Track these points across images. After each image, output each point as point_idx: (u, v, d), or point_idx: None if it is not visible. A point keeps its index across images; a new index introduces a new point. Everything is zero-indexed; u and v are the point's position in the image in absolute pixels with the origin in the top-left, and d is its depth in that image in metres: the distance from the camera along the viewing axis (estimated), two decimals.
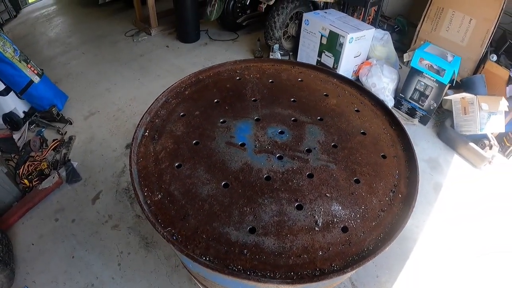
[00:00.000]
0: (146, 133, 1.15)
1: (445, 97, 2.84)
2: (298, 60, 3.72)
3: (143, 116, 1.19)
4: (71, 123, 2.94)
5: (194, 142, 1.09)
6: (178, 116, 1.19)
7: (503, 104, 2.61)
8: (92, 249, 2.10)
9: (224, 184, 0.96)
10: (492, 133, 2.77)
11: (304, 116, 1.16)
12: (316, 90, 1.29)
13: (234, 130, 1.11)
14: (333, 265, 0.78)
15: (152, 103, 1.23)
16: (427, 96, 2.90)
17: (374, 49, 3.34)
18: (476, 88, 2.88)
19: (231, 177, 0.97)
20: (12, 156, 2.52)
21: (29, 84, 2.70)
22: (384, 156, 1.05)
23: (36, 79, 2.74)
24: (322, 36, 3.21)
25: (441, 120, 3.06)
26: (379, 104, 1.26)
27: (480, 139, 2.73)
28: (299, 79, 1.34)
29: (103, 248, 2.11)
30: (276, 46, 3.41)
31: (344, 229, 0.85)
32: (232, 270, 0.78)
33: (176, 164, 1.03)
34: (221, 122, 1.14)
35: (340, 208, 0.89)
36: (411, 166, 1.03)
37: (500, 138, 2.81)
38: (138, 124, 1.15)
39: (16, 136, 2.64)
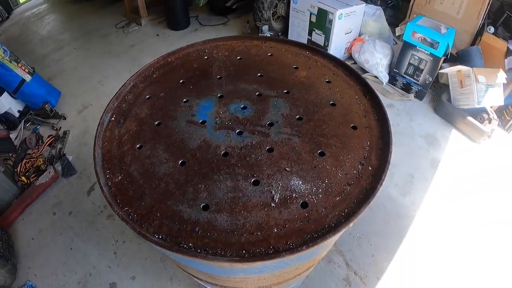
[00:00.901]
0: (113, 118, 1.12)
1: (440, 71, 2.74)
2: None
3: (110, 101, 1.16)
4: (65, 118, 2.96)
5: (156, 123, 1.06)
6: (144, 99, 1.16)
7: (501, 76, 2.49)
8: (89, 240, 2.13)
9: (181, 162, 0.92)
10: (491, 107, 2.65)
11: (269, 90, 1.10)
12: (285, 63, 1.23)
13: (196, 108, 1.07)
14: (288, 243, 0.73)
15: (120, 88, 1.20)
16: (421, 71, 2.80)
17: (366, 25, 3.24)
18: (472, 60, 2.76)
19: (189, 155, 0.93)
20: (10, 155, 2.57)
21: (21, 83, 2.72)
22: (354, 127, 0.99)
23: (28, 78, 2.76)
24: (311, 14, 3.12)
25: (438, 94, 2.95)
26: (353, 74, 1.19)
27: (478, 113, 2.64)
28: (269, 54, 1.28)
29: (99, 238, 2.14)
30: (266, 27, 3.33)
31: (304, 205, 0.80)
32: (182, 248, 0.75)
33: (138, 146, 1.00)
34: (184, 102, 1.10)
35: (301, 182, 0.84)
36: (384, 137, 0.97)
37: (500, 111, 2.71)
38: (105, 109, 1.13)
39: (13, 135, 2.68)
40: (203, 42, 1.36)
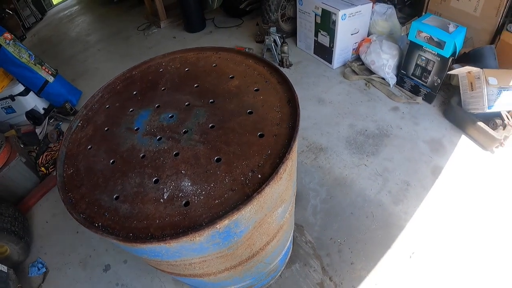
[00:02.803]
0: (79, 124, 1.36)
1: (450, 72, 2.59)
2: (297, 41, 3.69)
3: (79, 110, 1.40)
4: None
5: (106, 129, 1.27)
6: (104, 109, 1.38)
7: None
8: None
9: (112, 161, 1.12)
10: (509, 112, 2.45)
11: (198, 100, 1.24)
12: (224, 73, 1.35)
13: (136, 117, 1.25)
14: (162, 233, 0.88)
15: (89, 99, 1.43)
16: (429, 72, 2.69)
17: (376, 25, 3.18)
18: (484, 60, 2.58)
19: (118, 156, 1.13)
20: (35, 147, 3.01)
21: (45, 84, 3.18)
22: (261, 135, 1.08)
23: (51, 79, 3.21)
24: (316, 15, 3.16)
25: (449, 97, 2.79)
26: (284, 80, 1.27)
27: (491, 118, 2.45)
28: (214, 65, 1.42)
29: None
30: (273, 29, 3.41)
31: (186, 204, 0.93)
32: (94, 226, 0.96)
33: (89, 147, 1.23)
34: (130, 111, 1.30)
35: (189, 184, 0.97)
36: (287, 146, 1.03)
37: None
38: (74, 117, 1.37)
39: (38, 130, 3.14)
40: (162, 55, 1.54)
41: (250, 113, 1.16)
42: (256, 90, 1.26)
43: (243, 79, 1.31)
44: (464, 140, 2.57)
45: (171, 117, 1.21)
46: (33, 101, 3.26)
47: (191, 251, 1.01)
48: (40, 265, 2.25)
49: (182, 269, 1.19)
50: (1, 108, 3.21)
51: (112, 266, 2.19)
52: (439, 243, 2.03)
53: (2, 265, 2.02)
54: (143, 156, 1.09)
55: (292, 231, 1.89)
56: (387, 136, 2.69)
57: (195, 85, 1.32)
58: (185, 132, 1.13)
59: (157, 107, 1.27)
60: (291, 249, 2.08)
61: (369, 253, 2.03)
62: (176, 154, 1.07)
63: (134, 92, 1.39)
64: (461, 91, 2.56)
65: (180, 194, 0.96)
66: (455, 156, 2.47)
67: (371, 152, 2.60)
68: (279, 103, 1.19)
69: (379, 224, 2.16)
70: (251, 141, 1.07)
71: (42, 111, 3.35)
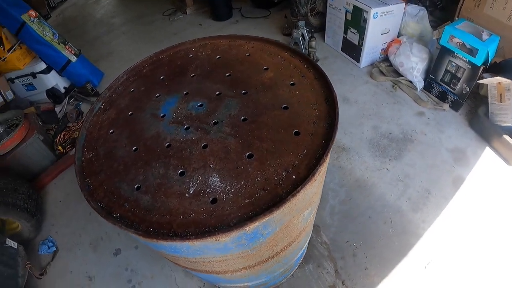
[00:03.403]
0: (102, 106, 1.30)
1: (479, 81, 2.46)
2: (325, 37, 3.58)
3: (102, 92, 1.34)
4: None
5: (129, 113, 1.21)
6: (129, 92, 1.32)
7: None
8: None
9: (134, 148, 1.06)
10: None
11: (229, 90, 1.17)
12: (258, 64, 1.28)
13: (163, 103, 1.19)
14: (186, 230, 0.82)
15: (113, 81, 1.37)
16: (459, 79, 2.56)
17: (407, 26, 3.04)
18: None
19: (141, 143, 1.06)
20: (53, 126, 2.99)
21: (67, 63, 3.15)
22: (297, 133, 1.01)
23: (74, 59, 3.18)
24: (346, 11, 3.04)
25: (476, 107, 2.66)
26: (322, 76, 1.19)
27: None
28: (247, 54, 1.34)
29: None
30: (302, 23, 3.30)
31: (213, 201, 0.87)
32: (112, 216, 0.91)
33: (110, 131, 1.17)
34: (156, 96, 1.23)
35: (218, 180, 0.90)
36: (325, 146, 0.97)
37: None
38: (97, 99, 1.31)
39: (57, 109, 3.12)
40: (192, 40, 1.47)
41: (285, 108, 1.09)
42: (291, 84, 1.18)
43: (278, 72, 1.23)
44: (488, 152, 2.44)
45: (200, 105, 1.14)
46: (54, 80, 3.24)
47: (213, 250, 0.94)
48: (50, 244, 2.24)
49: (200, 265, 1.13)
50: (22, 84, 3.20)
51: (122, 251, 2.17)
52: (455, 256, 1.95)
53: (12, 242, 2.01)
54: (169, 146, 1.03)
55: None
56: (410, 141, 2.60)
57: (227, 74, 1.25)
58: (215, 123, 1.06)
59: (186, 94, 1.20)
60: (306, 249, 2.03)
61: (384, 260, 1.97)
62: (205, 146, 1.00)
63: (161, 77, 1.32)
64: (489, 102, 2.44)
65: (207, 190, 0.89)
66: (478, 168, 2.36)
67: (393, 156, 2.51)
68: (316, 100, 1.11)
69: (397, 231, 2.09)
70: (286, 138, 0.99)
71: (62, 90, 3.33)
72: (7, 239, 1.98)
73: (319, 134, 1.00)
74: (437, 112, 2.77)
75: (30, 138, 2.47)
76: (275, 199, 0.86)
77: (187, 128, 1.06)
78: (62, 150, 2.72)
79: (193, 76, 1.28)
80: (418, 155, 2.49)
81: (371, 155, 2.53)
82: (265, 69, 1.25)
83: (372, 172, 2.42)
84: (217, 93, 1.17)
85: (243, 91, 1.16)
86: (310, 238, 2.12)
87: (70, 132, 2.87)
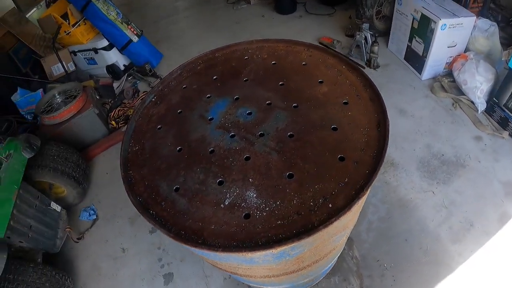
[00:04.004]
0: (153, 99, 1.35)
1: None
2: (388, 43, 3.38)
3: (155, 85, 1.39)
4: (161, 79, 3.45)
5: (179, 111, 1.24)
6: (181, 88, 1.35)
7: None
8: None
9: (179, 148, 1.09)
10: None
11: (281, 101, 1.15)
12: (313, 75, 1.24)
13: (213, 105, 1.20)
14: (216, 240, 0.83)
15: (167, 75, 1.41)
16: None
17: (475, 41, 2.78)
18: None
19: (186, 144, 1.09)
20: (109, 100, 3.16)
21: (128, 42, 3.29)
22: (342, 158, 0.97)
23: (135, 39, 3.31)
24: (413, 19, 2.85)
25: None
26: (377, 99, 1.12)
27: None
28: (303, 63, 1.30)
29: None
30: (366, 26, 3.15)
31: (246, 216, 0.87)
32: (148, 213, 0.95)
33: (158, 127, 1.21)
34: (207, 97, 1.25)
35: (255, 195, 0.90)
36: (367, 178, 0.92)
37: None
38: (149, 91, 1.36)
39: (115, 84, 3.29)
40: (250, 41, 1.45)
41: (335, 129, 1.05)
42: (345, 103, 1.13)
43: (332, 87, 1.18)
44: None
45: (249, 113, 1.13)
46: (114, 57, 3.42)
47: (240, 260, 0.96)
48: (92, 211, 2.40)
49: (226, 267, 1.15)
50: (84, 58, 3.41)
51: (158, 230, 2.27)
52: None
53: (56, 205, 2.18)
54: (212, 151, 1.04)
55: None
56: (462, 166, 2.42)
57: (280, 83, 1.23)
58: (261, 135, 1.05)
59: (236, 99, 1.20)
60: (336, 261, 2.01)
61: (411, 286, 1.91)
62: (247, 158, 1.00)
63: (215, 77, 1.33)
64: None
65: (242, 204, 0.90)
66: None
67: (442, 180, 2.36)
68: (367, 125, 1.06)
69: (430, 259, 2.00)
70: (330, 162, 0.96)
71: (122, 67, 3.50)
72: (52, 202, 2.15)
73: (364, 163, 0.96)
74: (496, 139, 2.53)
75: (86, 110, 2.63)
76: (307, 225, 0.84)
77: (232, 136, 1.07)
78: (115, 125, 2.88)
79: (246, 80, 1.27)
80: (468, 183, 2.32)
81: (420, 175, 2.40)
82: (320, 82, 1.21)
83: (418, 193, 2.30)
84: (267, 102, 1.16)
85: (294, 104, 1.13)
86: (342, 251, 2.08)
87: (125, 109, 3.02)
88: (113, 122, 2.88)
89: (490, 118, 2.64)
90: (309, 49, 1.38)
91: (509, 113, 2.46)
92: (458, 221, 2.14)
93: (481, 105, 2.62)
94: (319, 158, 0.97)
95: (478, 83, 2.56)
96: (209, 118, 1.15)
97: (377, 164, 0.93)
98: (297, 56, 1.35)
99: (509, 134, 2.50)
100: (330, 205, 0.87)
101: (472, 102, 2.69)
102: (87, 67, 3.50)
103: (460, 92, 2.79)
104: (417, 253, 2.03)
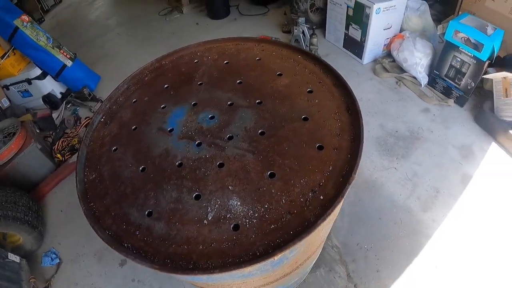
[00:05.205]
0: (102, 119, 1.20)
1: (485, 76, 2.41)
2: (326, 33, 3.49)
3: (102, 103, 1.24)
4: (101, 102, 3.22)
5: (133, 127, 1.11)
6: (130, 103, 1.22)
7: None
8: None
9: (142, 168, 0.97)
10: None
11: (242, 99, 1.08)
12: (270, 69, 1.19)
13: (170, 115, 1.10)
14: (208, 262, 0.74)
15: (113, 91, 1.27)
16: (463, 74, 2.51)
17: (409, 21, 2.97)
18: None
19: (149, 162, 0.97)
20: (51, 133, 2.88)
21: (62, 68, 3.05)
22: (320, 147, 0.93)
23: (69, 63, 3.07)
24: (348, 7, 2.95)
25: (481, 102, 2.62)
26: (341, 83, 1.11)
27: None
28: (257, 58, 1.25)
29: None
30: (302, 20, 3.21)
31: (235, 227, 0.79)
32: (123, 246, 0.82)
33: (113, 148, 1.07)
34: (162, 108, 1.14)
35: (239, 203, 0.82)
36: (351, 162, 0.89)
37: None
38: (96, 111, 1.21)
39: (54, 115, 3.02)
40: (197, 44, 1.37)
41: (305, 119, 1.00)
42: (309, 91, 1.09)
43: (293, 78, 1.14)
44: (494, 147, 2.40)
45: (211, 117, 1.04)
46: (50, 85, 3.13)
47: (236, 277, 0.87)
48: (53, 256, 2.15)
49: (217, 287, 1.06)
50: (18, 91, 3.09)
51: (128, 261, 2.08)
52: (465, 255, 1.92)
53: (14, 256, 1.93)
54: (180, 164, 0.94)
55: None
56: (417, 139, 2.54)
57: (238, 81, 1.16)
58: (230, 138, 0.97)
59: (194, 104, 1.11)
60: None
61: (395, 261, 1.95)
62: (221, 165, 0.91)
63: (166, 85, 1.22)
64: (494, 97, 2.39)
65: (228, 215, 0.81)
66: (485, 165, 2.32)
67: (401, 155, 2.45)
68: (337, 110, 1.03)
69: (407, 231, 2.06)
70: (310, 154, 0.91)
71: (59, 96, 3.22)
72: (9, 253, 1.91)
73: (344, 148, 0.93)
74: (442, 108, 2.71)
75: (27, 147, 2.38)
76: (303, 223, 0.78)
77: (199, 144, 0.97)
78: (61, 157, 2.61)
79: (200, 84, 1.19)
80: (426, 153, 2.45)
81: (379, 154, 2.47)
82: (279, 74, 1.17)
83: (380, 172, 2.37)
84: (229, 103, 1.08)
85: (257, 101, 1.07)
86: None
87: (68, 139, 2.76)
88: (58, 155, 2.61)
89: (434, 90, 2.82)
90: (260, 44, 1.34)
91: (450, 82, 2.65)
92: (424, 190, 2.23)
93: (424, 79, 2.79)
94: (298, 151, 0.92)
95: (417, 59, 2.72)
96: (169, 129, 1.05)
97: (357, 146, 0.90)
98: (249, 52, 1.30)
99: (454, 102, 2.69)
100: (321, 197, 0.82)
101: (415, 78, 2.85)
102: (22, 100, 3.16)
103: (401, 70, 2.95)
104: (393, 228, 2.08)
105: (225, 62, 1.26)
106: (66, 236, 2.27)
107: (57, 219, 2.38)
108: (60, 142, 2.71)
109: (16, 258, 1.94)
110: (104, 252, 2.15)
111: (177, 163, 0.94)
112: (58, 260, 2.16)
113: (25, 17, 2.95)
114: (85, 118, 3.00)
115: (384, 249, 2.00)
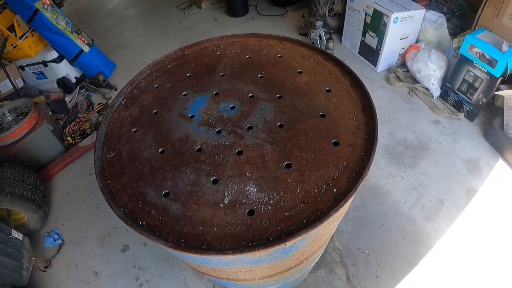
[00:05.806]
0: (123, 102, 1.23)
1: (497, 93, 2.42)
2: (342, 39, 3.51)
3: (123, 86, 1.27)
4: (115, 89, 3.26)
5: (154, 111, 1.14)
6: (152, 88, 1.25)
7: None
8: None
9: (161, 150, 1.00)
10: None
11: (263, 92, 1.11)
12: (291, 66, 1.22)
13: (191, 102, 1.13)
14: (222, 244, 0.76)
15: (135, 75, 1.30)
16: (476, 89, 2.52)
17: (425, 32, 2.99)
18: None
19: (169, 145, 1.00)
20: (62, 116, 2.92)
21: (79, 53, 3.07)
22: (336, 143, 0.96)
23: (86, 49, 3.10)
24: (366, 14, 2.98)
25: (491, 118, 2.62)
26: (358, 84, 1.14)
27: None
28: (279, 55, 1.28)
29: None
30: (320, 23, 3.24)
31: (250, 212, 0.81)
32: (137, 224, 0.85)
33: (133, 130, 1.10)
34: (183, 95, 1.17)
35: (255, 190, 0.85)
36: (365, 159, 0.92)
37: None
38: (118, 93, 1.25)
39: (67, 98, 3.05)
40: (220, 37, 1.40)
41: (323, 116, 1.03)
42: (327, 90, 1.12)
43: (312, 76, 1.17)
44: (501, 164, 2.41)
45: (232, 107, 1.07)
46: (65, 69, 3.18)
47: (246, 263, 0.89)
48: (56, 236, 2.18)
49: (224, 274, 1.08)
50: (33, 72, 3.14)
51: (131, 247, 2.12)
52: (466, 268, 1.94)
53: (18, 233, 1.95)
54: (199, 150, 0.97)
55: None
56: (425, 149, 2.56)
57: (259, 76, 1.19)
58: (249, 128, 1.00)
59: (216, 94, 1.14)
60: None
61: (395, 268, 1.96)
62: (239, 153, 0.94)
63: (188, 74, 1.26)
64: (505, 114, 2.40)
65: (244, 201, 0.84)
66: (491, 180, 2.33)
67: (408, 164, 2.47)
68: (354, 109, 1.06)
69: (409, 240, 2.08)
70: (325, 148, 0.94)
71: (73, 80, 3.26)
72: (12, 230, 1.92)
73: (358, 146, 0.96)
74: (452, 121, 2.73)
75: (39, 127, 2.41)
76: (316, 213, 0.81)
77: (219, 132, 1.00)
78: (71, 141, 2.66)
79: (222, 75, 1.22)
80: (433, 164, 2.46)
81: (386, 161, 2.49)
82: (299, 72, 1.19)
83: (387, 179, 2.39)
84: (250, 95, 1.11)
85: (277, 95, 1.10)
86: None
87: (80, 123, 2.80)
88: (69, 138, 2.65)
89: (445, 103, 2.83)
90: (282, 42, 1.37)
91: (462, 96, 2.66)
92: (429, 201, 2.25)
93: (436, 91, 2.81)
94: (314, 145, 0.95)
95: (431, 70, 2.74)
96: (190, 115, 1.08)
97: (371, 144, 0.93)
98: (271, 49, 1.33)
99: (465, 116, 2.70)
100: (334, 190, 0.85)
101: (427, 89, 2.87)
102: (36, 82, 3.21)
103: (414, 80, 2.97)
104: (395, 236, 2.10)
105: (247, 56, 1.29)
106: (70, 218, 2.31)
107: (62, 201, 2.42)
108: (72, 125, 2.76)
109: (19, 236, 1.95)
110: (107, 237, 2.18)
111: (196, 148, 0.97)
112: (60, 241, 2.19)
113: (46, 0, 2.99)
114: (98, 104, 3.04)
115: (385, 255, 2.01)
